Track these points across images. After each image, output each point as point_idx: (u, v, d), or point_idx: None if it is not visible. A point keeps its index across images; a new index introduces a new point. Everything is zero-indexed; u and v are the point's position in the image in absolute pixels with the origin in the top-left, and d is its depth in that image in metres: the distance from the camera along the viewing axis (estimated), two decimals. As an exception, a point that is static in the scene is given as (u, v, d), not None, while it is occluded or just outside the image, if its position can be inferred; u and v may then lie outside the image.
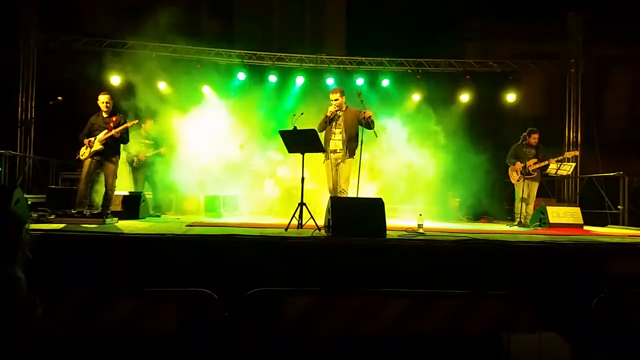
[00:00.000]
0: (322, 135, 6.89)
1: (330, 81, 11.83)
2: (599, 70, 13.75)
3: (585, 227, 8.22)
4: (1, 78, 11.71)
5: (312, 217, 6.30)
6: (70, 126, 7.90)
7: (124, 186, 9.17)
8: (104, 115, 7.21)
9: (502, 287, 4.40)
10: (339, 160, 7.11)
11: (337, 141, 7.11)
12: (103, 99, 7.20)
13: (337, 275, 4.67)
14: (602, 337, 3.93)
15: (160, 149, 9.12)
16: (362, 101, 7.06)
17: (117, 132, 7.03)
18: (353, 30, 16.15)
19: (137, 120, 7.61)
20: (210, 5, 16.20)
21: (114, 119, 7.17)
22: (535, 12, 14.82)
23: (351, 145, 7.07)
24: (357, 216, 5.65)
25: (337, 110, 7.10)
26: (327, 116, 7.10)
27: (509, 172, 8.97)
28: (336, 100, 7.11)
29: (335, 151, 7.11)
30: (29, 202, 7.19)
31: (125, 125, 7.18)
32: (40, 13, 11.20)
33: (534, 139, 8.75)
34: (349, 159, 7.09)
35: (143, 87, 11.17)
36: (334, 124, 7.13)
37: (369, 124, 6.94)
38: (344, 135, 7.08)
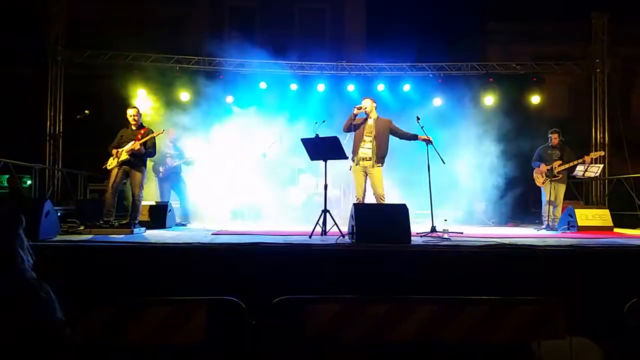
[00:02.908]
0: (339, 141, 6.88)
1: (351, 88, 11.86)
2: (625, 70, 13.51)
3: (615, 230, 8.04)
4: (31, 93, 12.06)
5: (335, 224, 6.31)
6: (97, 139, 8.09)
7: (150, 196, 9.31)
8: (133, 128, 7.39)
9: (531, 293, 4.33)
10: (369, 167, 7.12)
11: (366, 149, 7.13)
12: (131, 113, 7.39)
13: (362, 282, 4.66)
14: (635, 342, 3.83)
15: (187, 158, 9.24)
16: (422, 127, 7.19)
17: (142, 143, 7.17)
18: (373, 36, 16.21)
19: (162, 131, 7.74)
20: (232, 16, 16.44)
21: (142, 131, 7.34)
22: (557, 13, 14.67)
23: (381, 153, 7.11)
24: (381, 222, 5.63)
25: (361, 112, 7.14)
26: (352, 115, 7.16)
27: (534, 174, 8.84)
28: (365, 104, 7.18)
29: (364, 159, 7.12)
30: (59, 214, 7.35)
31: (151, 135, 7.32)
32: (66, 29, 11.50)
33: (555, 139, 8.64)
34: (378, 167, 7.11)
35: (167, 98, 11.39)
36: (364, 131, 7.16)
37: (409, 138, 7.25)
38: (374, 143, 7.09)
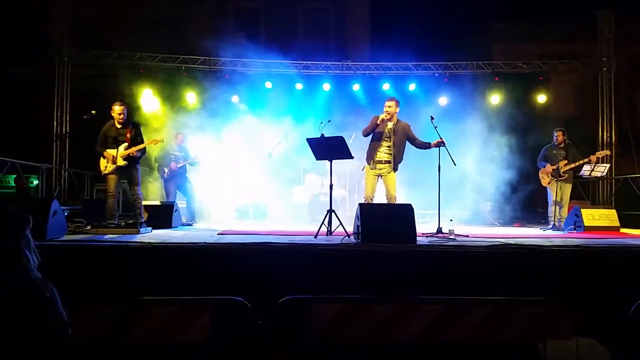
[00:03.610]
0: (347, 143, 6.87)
1: (356, 87, 11.86)
2: (632, 69, 13.43)
3: (622, 230, 8.00)
4: (37, 94, 12.13)
5: (341, 223, 6.31)
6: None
7: (156, 196, 9.34)
8: (118, 125, 7.21)
9: (537, 293, 4.32)
10: (385, 172, 7.04)
11: (385, 154, 7.03)
12: (119, 110, 7.15)
13: (368, 282, 4.66)
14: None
15: (192, 159, 9.25)
16: (435, 127, 7.01)
17: (139, 150, 7.19)
18: (377, 35, 16.19)
19: (161, 140, 7.71)
20: (236, 16, 16.48)
21: (129, 128, 7.21)
22: (563, 12, 14.60)
23: (399, 158, 7.03)
24: (386, 222, 5.63)
25: (388, 119, 7.01)
26: (376, 122, 6.99)
27: (540, 174, 8.80)
28: (390, 107, 7.00)
29: (381, 162, 7.04)
30: (65, 214, 7.39)
31: (147, 143, 7.30)
32: (71, 29, 11.54)
33: (559, 136, 8.60)
34: (393, 172, 7.05)
35: (173, 98, 11.41)
36: (383, 135, 7.03)
37: (422, 146, 7.05)
38: (394, 148, 6.99)
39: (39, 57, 12.09)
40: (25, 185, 9.93)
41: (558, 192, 8.45)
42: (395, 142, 6.99)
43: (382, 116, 6.98)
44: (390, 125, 7.04)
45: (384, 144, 7.03)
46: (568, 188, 8.57)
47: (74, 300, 3.32)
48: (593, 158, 8.41)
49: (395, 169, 7.04)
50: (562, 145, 8.60)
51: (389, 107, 7.01)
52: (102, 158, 7.18)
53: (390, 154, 7.01)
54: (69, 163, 11.44)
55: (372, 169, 7.09)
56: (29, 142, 11.19)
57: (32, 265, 2.48)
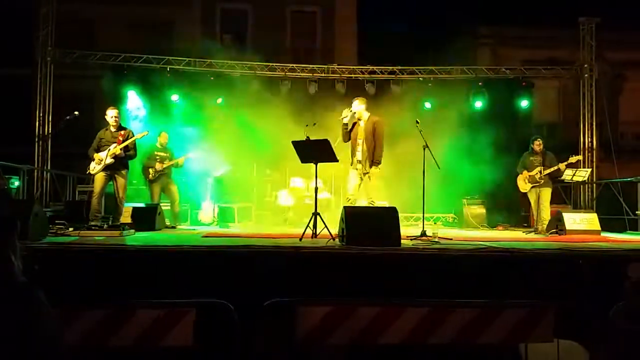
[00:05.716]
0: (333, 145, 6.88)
1: (342, 90, 11.87)
2: (614, 75, 13.68)
3: (603, 234, 8.11)
4: (19, 94, 11.97)
5: (326, 226, 6.31)
6: (86, 140, 8.03)
7: (140, 198, 9.27)
8: (112, 129, 7.36)
9: (519, 296, 4.37)
10: (364, 171, 7.14)
11: (359, 152, 7.14)
12: (113, 114, 7.37)
13: (352, 285, 4.67)
14: (621, 345, 3.88)
15: (177, 159, 9.18)
16: (420, 131, 7.15)
17: (122, 148, 7.21)
18: (363, 39, 16.28)
19: (146, 132, 7.76)
20: (224, 18, 16.44)
21: (122, 133, 7.35)
22: (546, 19, 14.82)
23: (370, 156, 7.08)
24: (371, 225, 5.64)
25: (352, 115, 7.10)
26: (343, 124, 7.13)
27: (518, 182, 8.92)
28: (354, 109, 7.14)
29: (359, 161, 7.15)
30: (47, 215, 7.29)
31: (133, 138, 7.34)
32: (56, 29, 11.41)
33: (538, 145, 8.75)
34: (373, 170, 7.11)
35: (158, 99, 11.34)
36: (357, 134, 7.15)
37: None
38: (364, 146, 7.09)
39: (23, 58, 11.94)
40: (5, 187, 9.76)
41: (538, 197, 8.59)
42: (366, 138, 7.11)
43: (350, 120, 7.10)
44: (362, 124, 7.16)
45: (359, 142, 7.18)
46: (547, 192, 8.67)
47: (56, 304, 3.28)
48: (562, 166, 8.52)
49: (371, 166, 7.09)
50: (539, 152, 8.73)
51: (354, 108, 7.16)
52: (92, 161, 7.23)
53: (362, 152, 7.14)
54: (51, 164, 11.29)
55: (353, 169, 7.24)
56: (10, 142, 11.02)
57: (16, 270, 2.44)
